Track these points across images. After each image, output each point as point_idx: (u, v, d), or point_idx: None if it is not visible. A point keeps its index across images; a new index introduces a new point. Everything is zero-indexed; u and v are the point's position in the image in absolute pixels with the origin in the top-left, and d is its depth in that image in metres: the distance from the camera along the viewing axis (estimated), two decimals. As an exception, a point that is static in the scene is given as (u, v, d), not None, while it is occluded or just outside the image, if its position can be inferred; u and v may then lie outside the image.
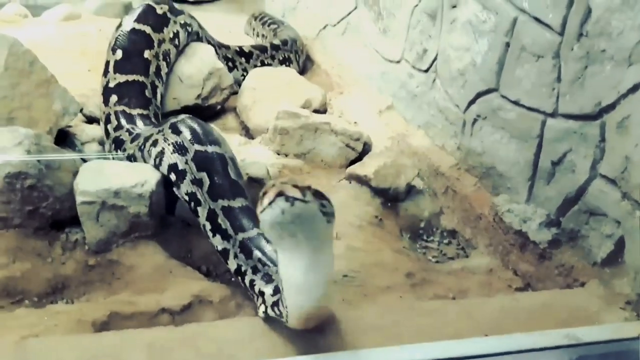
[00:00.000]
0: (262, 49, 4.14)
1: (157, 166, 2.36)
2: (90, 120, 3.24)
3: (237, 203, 2.08)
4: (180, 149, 2.26)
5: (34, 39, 5.41)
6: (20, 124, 2.71)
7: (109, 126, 2.74)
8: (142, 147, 2.45)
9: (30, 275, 2.10)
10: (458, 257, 2.65)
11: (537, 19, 2.33)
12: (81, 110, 3.10)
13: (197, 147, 2.24)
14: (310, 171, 2.99)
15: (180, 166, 2.25)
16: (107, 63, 3.02)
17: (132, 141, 2.56)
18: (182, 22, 3.46)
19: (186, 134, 2.28)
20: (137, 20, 3.15)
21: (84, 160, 2.59)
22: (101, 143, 3.02)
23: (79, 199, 2.20)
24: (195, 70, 3.52)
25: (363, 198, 2.80)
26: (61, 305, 1.99)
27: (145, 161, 2.43)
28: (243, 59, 4.00)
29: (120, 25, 3.16)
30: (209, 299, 2.02)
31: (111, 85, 2.91)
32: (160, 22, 3.25)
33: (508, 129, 2.53)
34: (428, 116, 3.20)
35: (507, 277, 2.38)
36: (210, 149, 2.23)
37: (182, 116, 2.43)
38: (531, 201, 2.40)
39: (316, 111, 3.47)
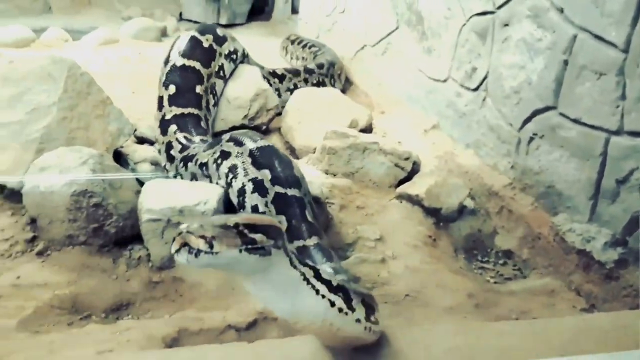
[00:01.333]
0: (295, 72, 4.15)
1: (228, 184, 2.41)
2: (141, 141, 3.28)
3: (312, 242, 2.10)
4: (261, 188, 2.28)
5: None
6: (79, 144, 2.76)
7: (172, 151, 2.74)
8: (218, 167, 2.48)
9: (97, 291, 2.12)
10: (515, 278, 2.61)
11: (598, 37, 2.32)
12: (134, 132, 3.15)
13: (278, 189, 2.24)
14: (359, 191, 2.98)
15: (261, 208, 2.26)
16: (161, 98, 3.02)
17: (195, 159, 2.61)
18: (227, 51, 3.48)
19: (266, 172, 2.29)
20: (186, 56, 3.16)
21: (139, 180, 2.64)
22: (153, 163, 3.05)
23: (144, 216, 2.22)
24: (242, 92, 3.56)
25: (415, 218, 2.78)
26: (130, 321, 1.99)
27: (212, 178, 2.48)
28: (276, 80, 4.03)
29: (168, 60, 3.17)
30: (274, 316, 2.01)
31: (168, 117, 2.91)
32: (207, 57, 3.28)
33: (568, 148, 2.51)
34: (478, 135, 3.18)
35: (570, 297, 2.34)
36: (290, 192, 2.23)
37: (262, 144, 2.42)
38: (594, 220, 2.37)
39: (362, 131, 3.48)
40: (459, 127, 3.37)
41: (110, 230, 2.32)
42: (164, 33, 7.76)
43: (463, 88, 3.33)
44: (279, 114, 3.76)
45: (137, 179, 2.55)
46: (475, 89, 3.20)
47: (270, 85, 3.83)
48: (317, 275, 1.46)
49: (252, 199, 2.25)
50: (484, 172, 3.06)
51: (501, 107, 2.97)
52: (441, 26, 3.59)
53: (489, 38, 3.07)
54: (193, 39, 3.28)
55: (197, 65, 3.16)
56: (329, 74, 4.39)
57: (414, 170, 3.13)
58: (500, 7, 2.95)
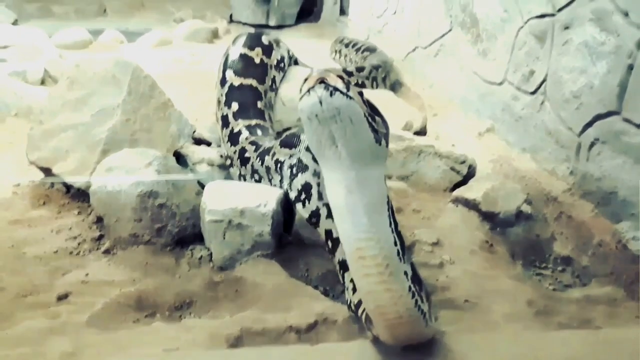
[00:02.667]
0: None
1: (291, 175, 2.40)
2: (199, 142, 3.35)
3: None
4: (316, 172, 2.26)
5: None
6: (141, 145, 2.85)
7: (246, 154, 2.73)
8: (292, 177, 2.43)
9: (161, 290, 2.18)
10: (575, 285, 2.56)
11: (666, 41, 2.26)
12: (193, 133, 3.23)
13: None
14: (415, 194, 2.98)
15: (334, 234, 2.18)
16: (225, 116, 3.00)
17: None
18: (275, 62, 3.47)
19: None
20: (242, 76, 3.14)
21: (199, 183, 2.70)
22: (210, 164, 3.12)
23: (207, 217, 2.28)
24: (296, 93, 3.58)
25: (472, 222, 2.76)
26: (194, 320, 2.05)
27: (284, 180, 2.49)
28: None
29: (225, 80, 3.14)
30: (333, 318, 2.03)
31: (236, 130, 2.89)
32: (261, 73, 3.27)
33: (632, 154, 2.45)
34: (535, 139, 3.14)
35: (632, 307, 2.28)
36: None
37: None
38: (660, 229, 2.31)
39: (416, 133, 3.48)
40: (515, 131, 3.33)
41: (173, 230, 2.39)
42: (215, 35, 7.92)
43: (520, 91, 3.28)
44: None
45: (198, 182, 2.61)
46: (533, 93, 3.16)
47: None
48: (392, 212, 1.45)
49: (325, 224, 2.21)
50: (542, 177, 3.01)
51: (560, 111, 2.92)
52: (497, 28, 3.55)
53: (548, 41, 3.02)
54: (244, 57, 3.25)
55: (253, 82, 3.16)
56: (370, 76, 4.38)
57: (470, 174, 3.10)
58: (560, 9, 2.90)
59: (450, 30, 4.23)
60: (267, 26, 8.88)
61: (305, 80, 1.28)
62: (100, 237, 2.43)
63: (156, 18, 9.25)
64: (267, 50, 3.37)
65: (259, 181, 2.60)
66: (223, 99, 3.05)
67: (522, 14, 3.24)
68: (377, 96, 3.81)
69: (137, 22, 8.84)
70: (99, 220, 2.50)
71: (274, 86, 3.47)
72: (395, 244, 1.45)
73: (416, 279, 1.60)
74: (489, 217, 2.79)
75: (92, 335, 1.90)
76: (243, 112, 2.96)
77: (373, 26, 6.09)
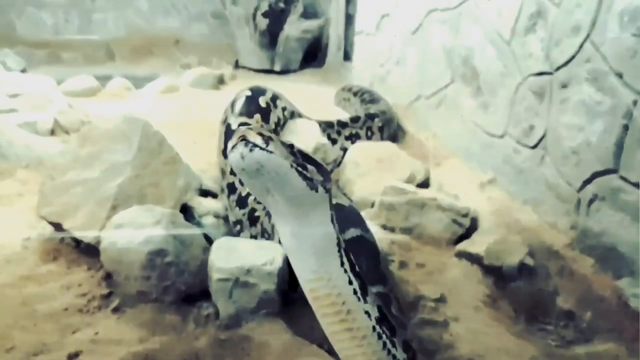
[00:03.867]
0: (329, 124, 4.16)
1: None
2: (205, 193, 3.41)
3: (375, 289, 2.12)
4: None
5: (139, 112, 5.85)
6: (150, 199, 2.91)
7: (256, 213, 2.75)
8: None
9: (168, 348, 2.21)
10: (578, 341, 2.57)
11: (660, 104, 2.34)
12: (200, 186, 3.29)
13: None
14: (419, 247, 3.02)
15: None
16: (232, 183, 3.02)
17: None
18: (274, 125, 3.54)
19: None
20: (246, 115, 3.23)
21: (206, 236, 2.74)
22: (216, 216, 3.18)
23: (215, 275, 2.32)
24: (302, 146, 3.66)
25: (474, 276, 2.80)
26: (201, 380, 2.07)
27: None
28: None
29: (225, 119, 3.23)
30: (339, 379, 2.05)
31: (244, 193, 2.91)
32: (265, 112, 3.35)
33: (629, 211, 2.50)
34: (536, 192, 3.19)
35: (636, 365, 2.30)
36: (374, 289, 2.19)
37: (352, 234, 2.29)
38: (660, 286, 2.35)
39: (419, 185, 3.54)
40: (517, 183, 3.39)
41: (181, 287, 2.43)
42: (221, 81, 8.09)
43: (520, 145, 3.35)
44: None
45: (205, 236, 2.65)
46: (534, 147, 3.23)
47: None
48: (347, 251, 1.50)
49: None
50: (543, 230, 3.06)
51: (560, 166, 2.98)
52: (497, 82, 3.64)
53: (546, 98, 3.11)
54: (244, 125, 3.28)
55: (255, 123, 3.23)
56: (364, 126, 4.41)
57: (472, 226, 3.15)
58: (558, 68, 3.00)
59: (452, 82, 4.33)
60: (272, 71, 9.06)
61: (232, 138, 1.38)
62: (110, 294, 2.47)
63: (163, 64, 9.45)
64: (265, 113, 3.41)
65: (268, 239, 2.63)
66: (228, 168, 3.06)
67: (521, 70, 3.34)
68: (380, 148, 3.90)
69: (144, 68, 9.04)
70: (108, 276, 2.54)
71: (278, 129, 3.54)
72: (351, 283, 1.51)
73: (386, 324, 1.62)
74: (491, 271, 2.83)
75: (102, 395, 1.93)
76: None
77: (377, 73, 6.22)
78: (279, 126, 3.64)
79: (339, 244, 1.49)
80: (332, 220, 1.48)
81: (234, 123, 3.21)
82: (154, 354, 2.18)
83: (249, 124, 3.21)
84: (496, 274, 2.82)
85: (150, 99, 6.67)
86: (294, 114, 3.90)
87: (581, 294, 2.70)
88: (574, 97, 2.86)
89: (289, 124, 3.84)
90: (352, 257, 1.54)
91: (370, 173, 3.61)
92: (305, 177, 1.39)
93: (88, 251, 2.78)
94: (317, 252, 1.46)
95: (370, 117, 4.52)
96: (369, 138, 4.37)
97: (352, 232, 2.26)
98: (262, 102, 3.42)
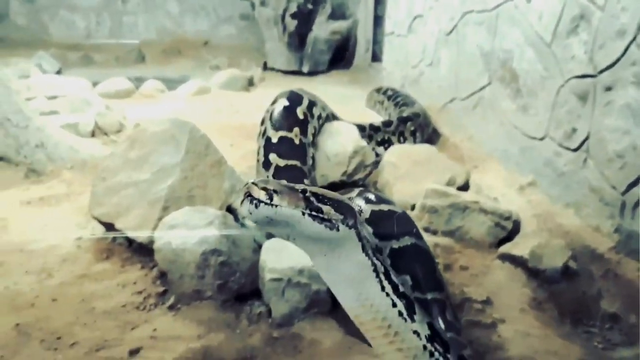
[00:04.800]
0: (361, 128, 4.11)
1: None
2: (247, 195, 3.46)
3: (431, 296, 2.16)
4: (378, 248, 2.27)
5: (173, 114, 5.96)
6: (197, 201, 2.99)
7: None
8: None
9: (224, 345, 2.27)
10: (623, 344, 2.58)
11: None
12: (244, 187, 3.35)
13: (417, 294, 2.16)
14: (461, 250, 3.05)
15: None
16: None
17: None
18: (312, 138, 3.58)
19: (407, 278, 2.21)
20: (285, 158, 3.18)
21: (255, 241, 2.80)
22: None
23: (267, 275, 2.38)
24: (341, 149, 3.72)
25: (519, 279, 2.82)
26: (258, 377, 2.13)
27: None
28: None
29: (268, 163, 3.18)
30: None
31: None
32: (303, 154, 3.31)
33: (678, 215, 2.51)
34: (578, 195, 3.20)
35: (683, 368, 2.31)
36: (430, 295, 2.17)
37: (404, 243, 2.31)
38: None
39: (459, 188, 3.56)
40: (558, 186, 3.39)
41: (233, 287, 2.50)
42: (250, 82, 8.19)
43: (562, 148, 3.36)
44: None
45: (255, 240, 2.72)
46: (576, 150, 3.24)
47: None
48: (387, 273, 1.52)
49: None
50: (586, 233, 3.07)
51: (604, 169, 2.99)
52: (537, 85, 3.65)
53: (589, 100, 3.12)
54: (284, 139, 3.26)
55: (297, 163, 3.19)
56: (397, 131, 4.42)
57: (515, 229, 3.17)
58: (602, 71, 3.00)
59: (489, 83, 4.35)
60: (300, 73, 9.13)
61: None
62: (165, 292, 2.55)
63: (193, 65, 9.60)
64: (304, 125, 3.41)
65: None
66: (263, 156, 3.14)
67: (563, 73, 3.35)
68: (418, 151, 3.93)
69: (174, 69, 9.19)
70: (163, 275, 2.61)
71: (313, 163, 3.57)
72: (395, 306, 1.53)
73: (439, 341, 1.62)
74: (535, 274, 2.85)
75: (164, 391, 2.00)
76: (285, 175, 3.02)
77: (409, 75, 6.25)
78: (316, 135, 3.67)
79: (376, 270, 1.51)
80: (364, 250, 1.49)
81: (274, 137, 3.25)
82: (211, 350, 2.25)
83: (290, 138, 3.27)
84: (540, 277, 2.84)
85: (183, 101, 6.79)
86: (329, 117, 3.94)
87: (626, 297, 2.70)
88: (619, 100, 2.86)
89: (326, 126, 3.88)
90: (394, 279, 1.56)
91: (408, 176, 3.65)
92: (322, 220, 1.41)
93: (140, 250, 2.87)
94: (353, 283, 1.48)
95: (403, 121, 4.53)
96: (401, 143, 4.38)
97: (406, 241, 2.29)
98: (300, 113, 3.44)
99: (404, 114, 4.60)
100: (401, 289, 1.56)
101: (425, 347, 1.57)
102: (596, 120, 3.05)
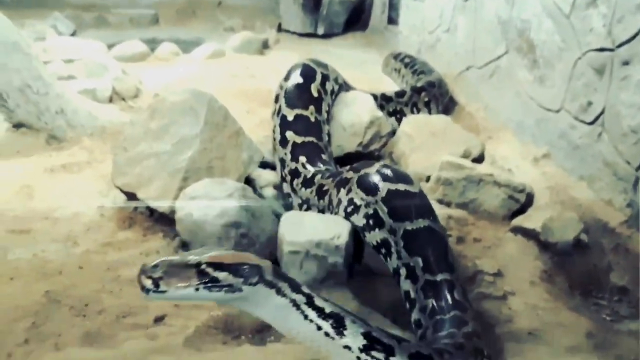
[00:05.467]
0: (372, 98, 4.05)
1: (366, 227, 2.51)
2: (264, 165, 3.52)
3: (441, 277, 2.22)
4: (413, 276, 2.28)
5: (189, 78, 5.98)
6: (216, 172, 3.06)
7: (324, 188, 2.82)
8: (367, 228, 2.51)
9: (244, 314, 2.36)
10: (631, 317, 2.66)
11: None
12: (262, 159, 3.41)
13: (428, 276, 2.22)
14: (475, 222, 3.11)
15: (412, 294, 2.26)
16: (295, 169, 3.08)
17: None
18: (326, 115, 3.59)
19: (419, 260, 2.27)
20: (302, 135, 3.22)
21: (274, 212, 2.88)
22: (275, 187, 3.31)
23: (286, 248, 2.46)
24: (357, 119, 3.76)
25: (531, 252, 2.89)
26: (278, 344, 2.23)
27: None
28: None
29: (285, 140, 3.21)
30: (405, 348, 2.19)
31: (309, 175, 3.00)
32: (318, 130, 3.35)
33: (691, 193, 2.54)
34: (592, 169, 3.23)
35: (690, 340, 2.38)
36: (440, 277, 2.21)
37: (418, 225, 2.34)
38: None
39: (474, 160, 3.60)
40: (572, 159, 3.42)
41: (252, 258, 2.58)
42: (265, 45, 8.15)
43: (577, 121, 3.37)
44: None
45: (275, 213, 2.80)
46: (591, 123, 3.25)
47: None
48: (310, 301, 1.64)
49: (405, 284, 2.29)
50: (599, 207, 3.11)
51: (618, 144, 3.01)
52: (554, 57, 3.64)
53: (606, 74, 3.11)
54: (300, 116, 3.30)
55: (314, 139, 3.23)
56: (410, 102, 4.39)
57: (528, 201, 3.21)
58: (620, 45, 2.99)
59: (506, 52, 4.33)
60: (315, 35, 9.06)
61: None
62: (186, 262, 2.63)
63: (207, 27, 9.54)
64: (318, 102, 3.44)
65: (337, 209, 2.68)
66: (288, 156, 3.14)
67: (581, 45, 3.33)
68: (434, 122, 3.95)
69: (188, 31, 9.15)
70: (184, 245, 2.70)
71: (328, 117, 3.62)
72: (320, 329, 1.66)
73: (380, 347, 1.71)
74: (547, 247, 2.91)
75: (189, 356, 2.11)
76: (312, 162, 3.08)
77: (425, 40, 6.21)
78: (330, 112, 3.69)
79: (295, 304, 1.64)
80: (278, 292, 1.61)
81: (290, 115, 3.28)
82: (231, 318, 2.35)
83: (306, 115, 3.32)
84: (551, 250, 2.90)
85: (198, 65, 6.80)
86: (342, 87, 3.93)
87: (635, 271, 2.76)
88: (636, 75, 2.86)
89: (341, 96, 3.90)
90: (319, 302, 1.68)
91: (424, 147, 3.69)
92: (220, 288, 1.51)
93: (161, 220, 2.96)
94: (278, 320, 1.64)
95: (417, 91, 4.47)
96: (414, 114, 4.33)
97: (420, 223, 2.34)
98: (314, 90, 3.46)
99: (418, 84, 4.58)
100: (327, 309, 1.67)
101: (359, 358, 1.69)
102: (612, 94, 3.06)
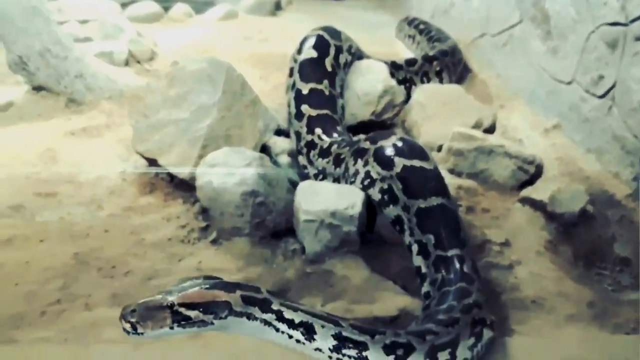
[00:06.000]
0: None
1: (382, 202, 2.62)
2: (278, 132, 3.60)
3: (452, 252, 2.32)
4: (425, 252, 2.39)
5: (203, 41, 5.99)
6: (234, 140, 3.16)
7: (342, 156, 2.91)
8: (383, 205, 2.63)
9: (261, 278, 2.50)
10: (632, 287, 2.76)
11: None
12: (278, 126, 3.50)
13: (439, 252, 2.33)
14: (484, 192, 3.20)
15: (423, 269, 2.38)
16: (311, 141, 3.18)
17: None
18: (340, 90, 3.67)
19: (431, 237, 2.38)
20: (317, 108, 3.32)
21: (290, 181, 2.98)
22: (290, 155, 3.41)
23: (302, 217, 2.57)
24: (371, 88, 3.82)
25: (537, 222, 2.98)
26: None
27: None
28: None
29: (301, 114, 3.32)
30: (415, 313, 2.32)
31: (325, 146, 3.10)
32: (333, 103, 3.45)
33: (696, 169, 2.61)
34: (601, 142, 3.30)
35: (685, 311, 2.49)
36: (451, 252, 2.31)
37: (432, 202, 2.44)
38: None
39: (486, 130, 3.67)
40: (581, 132, 3.48)
41: (269, 225, 2.70)
42: (277, 6, 8.11)
43: (588, 94, 3.42)
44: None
45: (290, 181, 2.90)
46: (602, 97, 3.30)
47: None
48: (280, 316, 1.82)
49: (417, 260, 2.41)
50: (606, 179, 3.18)
51: (627, 118, 3.07)
52: (568, 28, 3.66)
53: (618, 49, 3.15)
54: (315, 90, 3.40)
55: (328, 112, 3.33)
56: (420, 71, 4.37)
57: (537, 173, 3.29)
58: (633, 20, 3.02)
59: (520, 21, 4.34)
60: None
61: None
62: (207, 227, 2.76)
63: (218, -15, 9.45)
64: (332, 77, 3.52)
65: (353, 181, 2.78)
66: (304, 129, 3.23)
67: (594, 18, 3.35)
68: (447, 91, 4.00)
69: (199, -10, 9.06)
70: (204, 210, 2.82)
71: (341, 92, 3.69)
72: (291, 337, 1.84)
73: (351, 344, 1.86)
74: (553, 217, 3.00)
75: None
76: (327, 134, 3.17)
77: (439, 5, 6.18)
78: (344, 87, 3.74)
79: (266, 322, 1.82)
80: (249, 318, 1.79)
81: (305, 89, 3.37)
82: (250, 282, 2.47)
83: (320, 89, 3.41)
84: (558, 220, 2.99)
85: (211, 26, 6.81)
86: (355, 56, 3.96)
87: (638, 243, 2.86)
88: (649, 52, 2.90)
89: (356, 65, 3.95)
90: (287, 315, 1.83)
91: (436, 116, 3.75)
92: (193, 324, 1.70)
93: (181, 186, 3.07)
94: (255, 335, 1.84)
95: (429, 60, 4.44)
96: (423, 82, 4.34)
97: (434, 201, 2.43)
98: (328, 65, 3.52)
99: (430, 53, 4.56)
100: (297, 320, 1.84)
101: (330, 357, 1.87)
102: (624, 69, 3.10)
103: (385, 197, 2.57)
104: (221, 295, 1.77)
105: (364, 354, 1.85)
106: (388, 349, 1.86)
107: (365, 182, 2.67)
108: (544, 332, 2.25)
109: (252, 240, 2.68)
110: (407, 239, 2.47)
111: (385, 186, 2.55)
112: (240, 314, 1.78)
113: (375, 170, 2.61)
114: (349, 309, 2.35)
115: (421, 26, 5.50)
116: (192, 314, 1.70)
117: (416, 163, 2.52)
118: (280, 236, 2.73)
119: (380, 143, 2.65)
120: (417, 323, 2.09)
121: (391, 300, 2.39)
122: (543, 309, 2.39)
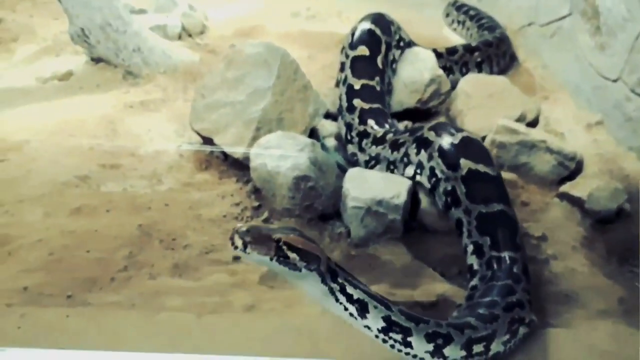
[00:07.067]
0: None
1: (449, 203, 2.75)
2: (326, 115, 3.73)
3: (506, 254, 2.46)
4: (480, 252, 2.54)
5: (252, 16, 6.07)
6: (286, 124, 3.32)
7: (400, 141, 3.06)
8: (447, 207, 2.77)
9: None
10: (663, 286, 2.87)
11: None
12: (327, 111, 3.63)
13: (494, 253, 2.47)
14: (524, 185, 3.30)
15: (476, 267, 2.52)
16: (364, 131, 3.31)
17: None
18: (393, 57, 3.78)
19: (487, 239, 2.52)
20: (368, 102, 3.43)
21: (339, 165, 3.14)
22: (337, 138, 3.56)
23: (350, 203, 2.73)
24: (418, 76, 3.91)
25: (574, 218, 3.08)
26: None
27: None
28: None
29: (353, 107, 3.42)
30: (453, 299, 2.48)
31: (379, 135, 3.23)
32: (382, 73, 3.60)
33: None
34: (643, 142, 3.36)
35: None
36: (505, 254, 2.45)
37: (492, 208, 2.61)
38: None
39: (529, 123, 3.74)
40: (624, 130, 3.54)
41: (318, 208, 2.87)
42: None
43: (634, 93, 3.47)
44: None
45: (339, 165, 3.05)
46: (647, 98, 3.35)
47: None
48: (342, 289, 1.97)
49: (471, 259, 2.54)
50: (645, 179, 3.26)
51: (672, 121, 3.13)
52: (618, 26, 3.68)
53: (669, 51, 3.18)
54: (366, 86, 3.51)
55: (380, 105, 3.46)
56: (460, 61, 4.36)
57: (577, 169, 3.38)
58: (686, 24, 3.05)
59: (570, 14, 4.35)
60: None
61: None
62: (259, 207, 2.95)
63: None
64: (382, 73, 3.63)
65: (407, 163, 2.93)
66: (356, 121, 3.35)
67: (646, 18, 3.38)
68: (492, 82, 4.07)
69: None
70: (257, 190, 3.00)
71: (390, 88, 3.81)
72: (346, 309, 1.98)
73: (398, 329, 2.00)
74: (590, 214, 3.10)
75: (265, 292, 2.44)
76: (380, 125, 3.29)
77: (487, -10, 6.15)
78: (391, 84, 3.86)
79: (332, 291, 1.95)
80: (323, 281, 1.93)
81: (357, 84, 3.49)
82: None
83: (372, 85, 3.52)
84: (594, 217, 3.09)
85: (259, 0, 6.87)
86: (403, 50, 4.03)
87: (673, 243, 2.95)
88: (698, 57, 2.94)
89: (406, 53, 4.04)
90: (349, 290, 1.98)
91: (481, 107, 3.83)
92: (287, 264, 1.86)
93: (235, 165, 3.25)
94: (316, 297, 1.98)
95: (470, 50, 4.43)
96: (463, 73, 4.30)
97: (495, 207, 2.58)
98: (379, 63, 3.63)
99: (473, 44, 4.54)
100: (355, 296, 1.99)
101: (377, 336, 2.00)
102: (673, 72, 3.14)
103: (448, 199, 2.71)
104: (317, 250, 1.95)
105: (408, 339, 2.01)
106: (429, 338, 2.02)
107: (432, 181, 2.82)
108: (574, 325, 2.38)
109: (302, 222, 2.85)
110: (464, 240, 2.62)
111: (449, 187, 2.70)
112: (320, 273, 1.93)
113: (439, 168, 2.75)
114: (391, 292, 2.51)
115: (471, 12, 5.45)
116: (292, 255, 1.85)
117: (481, 168, 2.65)
118: (327, 219, 2.90)
119: (445, 138, 2.79)
120: (459, 312, 2.24)
121: (431, 286, 2.55)
122: (575, 303, 2.52)
